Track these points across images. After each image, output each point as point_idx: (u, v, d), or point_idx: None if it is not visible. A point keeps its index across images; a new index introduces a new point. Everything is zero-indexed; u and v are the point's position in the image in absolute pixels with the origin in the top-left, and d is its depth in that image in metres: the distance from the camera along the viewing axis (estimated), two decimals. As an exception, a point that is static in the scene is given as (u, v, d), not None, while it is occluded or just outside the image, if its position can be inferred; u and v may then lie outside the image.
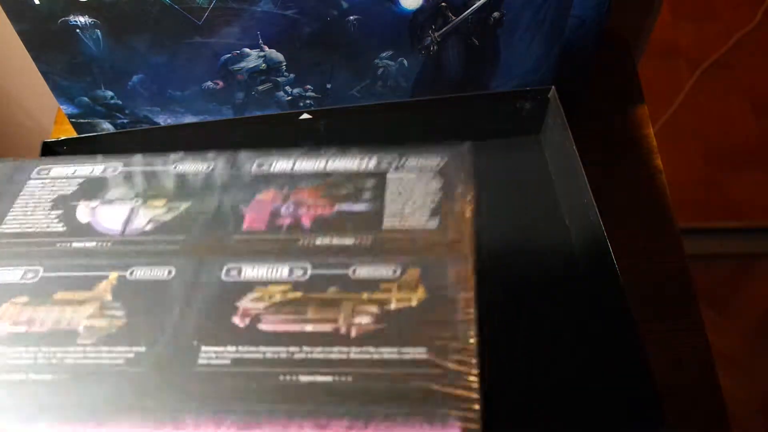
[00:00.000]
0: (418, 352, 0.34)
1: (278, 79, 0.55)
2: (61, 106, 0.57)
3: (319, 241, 0.38)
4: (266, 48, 0.53)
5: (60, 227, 0.40)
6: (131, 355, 0.35)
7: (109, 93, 0.56)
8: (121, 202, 0.41)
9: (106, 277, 0.38)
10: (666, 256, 0.56)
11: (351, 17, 0.50)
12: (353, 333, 0.34)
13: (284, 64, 0.54)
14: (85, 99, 0.56)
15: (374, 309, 0.35)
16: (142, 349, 0.35)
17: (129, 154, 0.43)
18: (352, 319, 0.35)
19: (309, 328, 0.35)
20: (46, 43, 0.51)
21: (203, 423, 0.32)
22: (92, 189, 0.42)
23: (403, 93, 0.57)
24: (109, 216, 0.41)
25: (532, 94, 0.55)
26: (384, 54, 0.53)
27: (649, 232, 0.57)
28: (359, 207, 0.39)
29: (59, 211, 0.41)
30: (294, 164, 0.42)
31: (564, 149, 0.52)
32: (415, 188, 0.40)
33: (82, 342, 0.36)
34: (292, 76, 0.54)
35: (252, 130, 0.55)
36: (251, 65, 0.54)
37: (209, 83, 0.55)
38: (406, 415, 0.32)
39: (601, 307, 0.49)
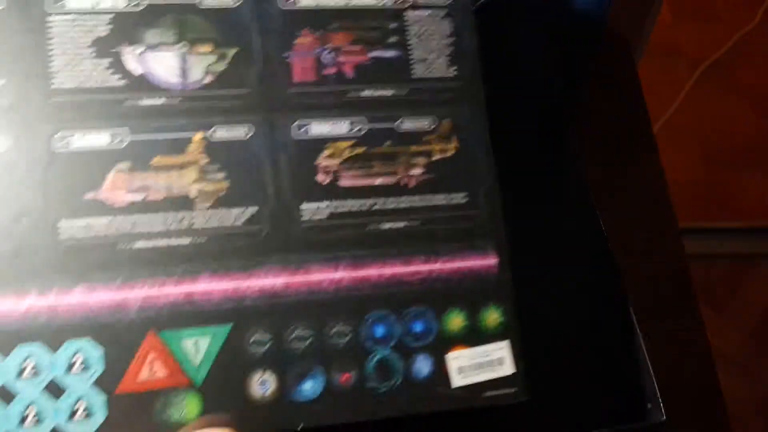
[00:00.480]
0: (461, 197, 0.42)
1: None
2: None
3: (363, 93, 0.42)
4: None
5: (117, 81, 0.40)
6: (248, 216, 0.39)
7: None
8: (166, 47, 0.41)
9: (191, 139, 0.40)
10: (666, 256, 0.56)
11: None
12: (411, 183, 0.42)
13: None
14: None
15: (422, 160, 0.42)
16: (255, 209, 0.40)
17: None
18: (408, 172, 0.42)
19: (378, 181, 0.41)
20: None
21: (323, 268, 0.40)
22: (127, 29, 0.41)
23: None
24: (161, 66, 0.41)
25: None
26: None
27: (649, 232, 0.57)
28: (390, 53, 0.43)
29: (107, 60, 0.40)
30: (318, 1, 0.44)
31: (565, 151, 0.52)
32: (432, 31, 0.44)
33: (201, 206, 0.39)
34: None
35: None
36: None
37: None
38: (460, 249, 0.41)
39: (601, 307, 0.49)
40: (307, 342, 0.39)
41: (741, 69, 0.51)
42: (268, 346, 0.38)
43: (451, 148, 0.42)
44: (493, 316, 0.40)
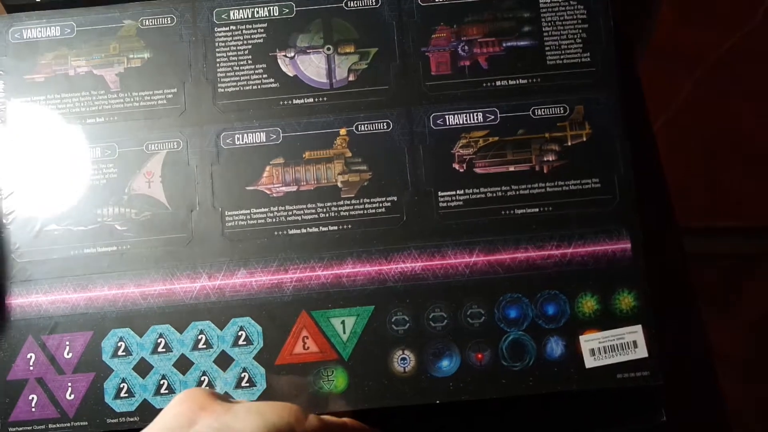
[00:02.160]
0: (593, 182, 0.43)
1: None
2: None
3: (498, 83, 0.44)
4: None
5: (272, 83, 0.45)
6: (389, 205, 0.43)
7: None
8: (314, 50, 0.45)
9: (338, 133, 0.44)
10: (666, 256, 0.56)
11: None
12: (545, 170, 0.43)
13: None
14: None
15: (556, 147, 0.43)
16: (395, 198, 0.43)
17: None
18: (541, 158, 0.43)
19: (512, 168, 0.43)
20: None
21: (459, 253, 0.42)
22: (280, 34, 0.45)
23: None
24: (311, 67, 0.45)
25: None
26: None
27: (649, 232, 0.57)
28: (524, 42, 0.45)
29: (263, 65, 0.45)
30: None
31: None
32: (566, 18, 0.45)
33: (346, 196, 0.43)
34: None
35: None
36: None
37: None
38: (593, 233, 0.43)
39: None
40: (444, 322, 0.42)
41: (741, 69, 0.51)
42: (407, 325, 0.41)
43: (584, 134, 0.44)
44: (626, 300, 0.42)
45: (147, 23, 0.45)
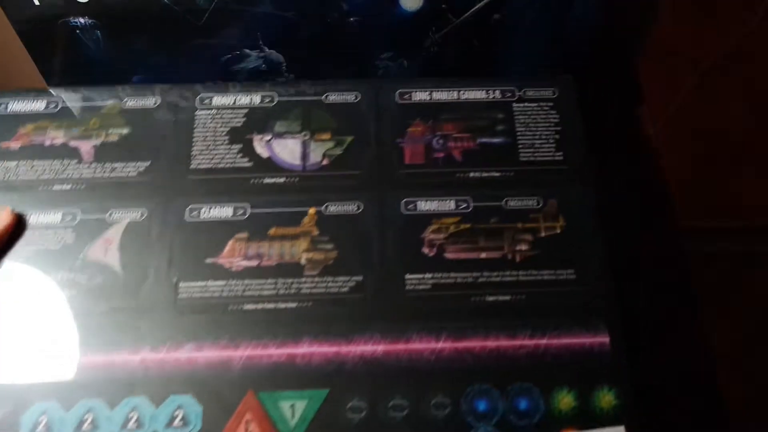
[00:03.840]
0: (568, 273, 0.42)
1: (278, 79, 0.55)
2: (62, 107, 0.57)
3: (471, 174, 0.44)
4: (266, 49, 0.52)
5: (246, 163, 0.45)
6: (353, 284, 0.41)
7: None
8: (291, 135, 0.46)
9: (306, 212, 0.43)
10: (666, 256, 0.56)
11: (351, 18, 0.50)
12: (518, 259, 0.42)
13: (284, 64, 0.54)
14: (85, 99, 0.56)
15: (529, 237, 0.43)
16: (360, 278, 0.41)
17: (278, 80, 0.49)
18: (514, 247, 0.42)
19: (483, 255, 0.42)
20: (46, 43, 0.51)
21: (425, 338, 0.40)
22: (258, 120, 0.46)
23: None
24: (285, 150, 0.45)
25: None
26: (384, 55, 0.53)
27: (649, 232, 0.57)
28: (498, 139, 0.45)
29: (239, 146, 0.45)
30: (431, 95, 0.47)
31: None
32: (538, 120, 0.46)
33: (309, 273, 0.41)
34: (292, 76, 0.54)
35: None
36: (251, 66, 0.54)
37: (209, 84, 0.55)
38: (569, 325, 0.40)
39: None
40: (405, 412, 0.38)
41: (741, 69, 0.51)
42: (364, 413, 0.38)
43: (557, 226, 0.43)
44: (606, 398, 0.39)
45: (130, 104, 0.47)
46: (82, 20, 0.49)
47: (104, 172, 0.44)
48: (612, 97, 0.61)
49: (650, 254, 0.55)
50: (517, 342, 0.40)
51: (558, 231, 0.43)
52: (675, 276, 0.56)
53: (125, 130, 0.46)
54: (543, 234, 0.43)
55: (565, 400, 0.39)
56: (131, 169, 0.44)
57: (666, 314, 0.54)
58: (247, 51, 0.52)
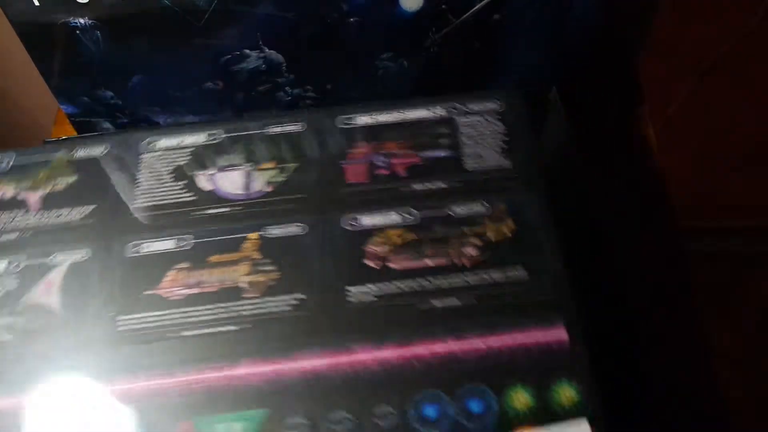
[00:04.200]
0: (519, 273, 0.40)
1: (278, 79, 0.55)
2: (61, 106, 0.57)
3: (416, 186, 0.44)
4: (266, 49, 0.52)
5: (190, 197, 0.45)
6: (295, 302, 0.40)
7: (109, 93, 0.56)
8: (234, 168, 0.46)
9: (246, 237, 0.43)
10: (666, 256, 0.56)
11: (351, 19, 0.50)
12: (466, 263, 0.41)
13: (284, 65, 0.54)
14: (85, 99, 0.56)
15: (477, 242, 0.41)
16: (303, 296, 0.40)
17: (226, 119, 0.50)
18: (461, 252, 0.41)
19: (429, 263, 0.41)
20: (46, 43, 0.51)
21: (369, 349, 0.38)
22: (203, 157, 0.46)
23: (403, 95, 0.56)
24: (228, 182, 0.45)
25: (532, 96, 0.55)
26: (384, 55, 0.53)
27: (649, 232, 0.57)
28: (442, 153, 0.45)
29: (184, 182, 0.46)
30: (373, 117, 0.47)
31: (565, 150, 0.52)
32: (484, 131, 0.45)
33: (249, 296, 0.41)
34: (292, 76, 0.54)
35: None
36: (251, 66, 0.54)
37: (209, 84, 0.55)
38: (522, 323, 0.38)
39: (602, 306, 0.49)
40: (348, 425, 0.37)
41: (742, 69, 0.51)
42: (306, 430, 0.37)
43: (506, 228, 0.42)
44: (566, 394, 0.37)
45: (79, 154, 0.47)
46: (82, 21, 0.49)
47: (50, 218, 0.45)
48: (612, 97, 0.61)
49: (650, 254, 0.55)
50: (468, 344, 0.38)
51: (508, 233, 0.42)
52: (675, 276, 0.56)
53: (73, 179, 0.46)
54: (492, 238, 0.42)
55: (521, 398, 0.37)
56: (76, 214, 0.45)
57: (666, 314, 0.54)
58: (247, 51, 0.53)
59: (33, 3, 0.48)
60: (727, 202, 0.58)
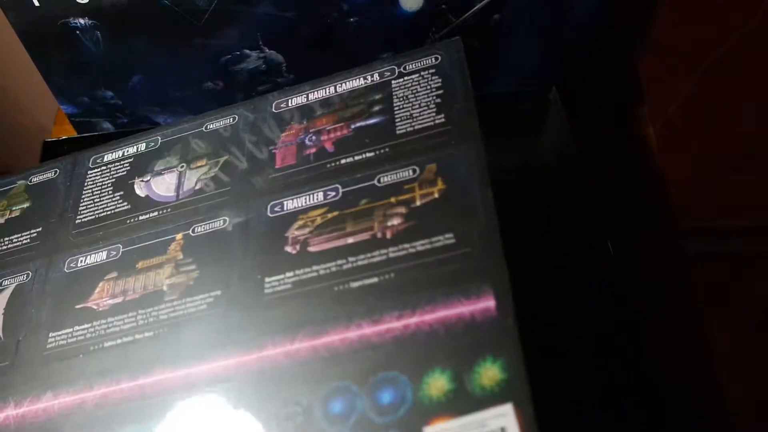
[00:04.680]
0: (446, 239, 0.36)
1: (278, 79, 0.55)
2: (61, 106, 0.57)
3: (343, 161, 0.41)
4: (266, 49, 0.53)
5: (125, 206, 0.45)
6: (211, 300, 0.39)
7: (109, 93, 0.56)
8: (168, 171, 0.45)
9: (174, 239, 0.42)
10: (666, 256, 0.56)
11: (351, 19, 0.50)
12: (388, 235, 0.37)
13: (284, 65, 0.54)
14: (85, 99, 0.56)
15: (402, 209, 0.38)
16: (218, 292, 0.39)
17: (166, 125, 0.48)
18: (385, 223, 0.38)
19: (350, 240, 0.38)
20: (46, 43, 0.51)
21: (279, 342, 0.36)
22: (141, 164, 0.46)
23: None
24: (162, 185, 0.45)
25: (532, 96, 0.55)
26: (384, 55, 0.53)
27: (649, 232, 0.57)
28: (373, 120, 0.42)
29: (121, 192, 0.45)
30: (307, 97, 0.45)
31: (565, 150, 0.52)
32: (419, 89, 0.42)
33: (169, 299, 0.40)
34: (292, 76, 0.54)
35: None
36: (251, 66, 0.54)
37: (209, 84, 0.55)
38: (445, 295, 0.34)
39: (602, 307, 0.49)
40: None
41: (741, 69, 0.51)
42: None
43: (435, 191, 0.38)
44: (490, 373, 0.32)
45: (35, 180, 0.48)
46: (82, 21, 0.50)
47: (2, 246, 0.46)
48: (612, 97, 0.61)
49: (650, 254, 0.55)
50: (383, 326, 0.34)
51: (436, 196, 0.37)
52: (675, 276, 0.56)
53: (27, 204, 0.47)
54: (418, 203, 0.38)
55: (438, 383, 0.32)
56: (25, 238, 0.45)
57: (666, 314, 0.54)
58: (247, 51, 0.53)
59: (33, 3, 0.48)
60: (727, 202, 0.58)
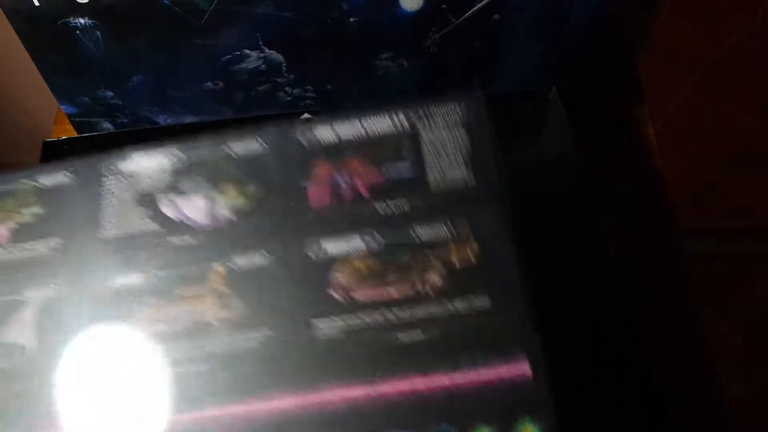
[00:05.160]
0: (483, 302, 0.39)
1: (278, 79, 0.55)
2: (61, 106, 0.57)
3: (380, 210, 0.42)
4: (266, 49, 0.52)
5: (155, 226, 0.44)
6: (262, 338, 0.40)
7: (109, 93, 0.56)
8: (196, 193, 0.45)
9: (212, 268, 0.42)
10: (666, 256, 0.56)
11: (351, 19, 0.50)
12: (429, 290, 0.40)
13: (284, 65, 0.54)
14: (85, 99, 0.56)
15: (439, 267, 0.40)
16: (269, 332, 0.40)
17: (184, 140, 0.47)
18: (424, 278, 0.40)
19: (393, 292, 0.40)
20: (46, 43, 0.51)
21: (336, 386, 0.38)
22: (166, 182, 0.45)
23: (403, 95, 0.56)
24: (192, 209, 0.44)
25: (532, 96, 0.55)
26: (384, 55, 0.53)
27: (649, 232, 0.57)
28: (404, 169, 0.43)
29: (146, 209, 0.45)
30: (335, 131, 0.45)
31: (565, 150, 0.52)
32: (446, 143, 0.44)
33: (217, 332, 0.40)
34: (292, 76, 0.54)
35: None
36: (251, 66, 0.54)
37: (209, 84, 0.55)
38: (486, 357, 0.37)
39: (602, 307, 0.49)
40: None
41: (741, 69, 0.51)
42: None
43: (470, 253, 0.41)
44: (528, 431, 0.36)
45: (44, 182, 0.47)
46: (82, 21, 0.49)
47: (20, 253, 0.45)
48: (612, 97, 0.61)
49: (650, 254, 0.55)
50: (432, 381, 0.38)
51: (470, 256, 0.41)
52: (675, 276, 0.56)
53: (38, 210, 0.46)
54: (455, 261, 0.41)
55: None
56: (42, 246, 0.45)
57: (666, 314, 0.54)
58: (247, 51, 0.53)
59: (33, 3, 0.48)
60: (727, 202, 0.58)
